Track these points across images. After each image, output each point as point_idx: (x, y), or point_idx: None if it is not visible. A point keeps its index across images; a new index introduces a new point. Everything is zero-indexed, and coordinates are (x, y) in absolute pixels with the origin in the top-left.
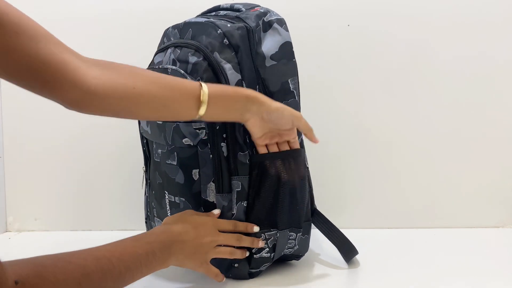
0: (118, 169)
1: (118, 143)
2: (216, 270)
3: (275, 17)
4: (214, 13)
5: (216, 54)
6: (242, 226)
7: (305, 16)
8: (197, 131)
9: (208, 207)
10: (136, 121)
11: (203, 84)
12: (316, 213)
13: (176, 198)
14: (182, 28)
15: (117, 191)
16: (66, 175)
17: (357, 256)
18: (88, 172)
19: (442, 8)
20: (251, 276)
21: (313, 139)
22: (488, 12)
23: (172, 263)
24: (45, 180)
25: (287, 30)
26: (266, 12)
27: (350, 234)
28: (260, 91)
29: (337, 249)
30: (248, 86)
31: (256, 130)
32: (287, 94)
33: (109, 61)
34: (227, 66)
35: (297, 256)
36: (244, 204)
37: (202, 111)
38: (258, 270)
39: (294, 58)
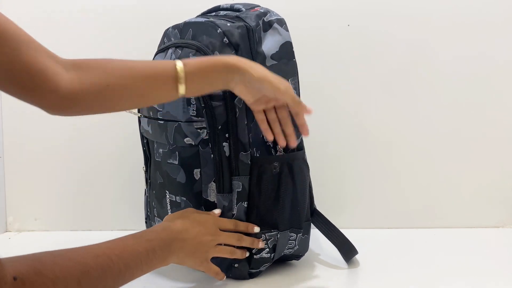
0: (118, 169)
1: (118, 143)
2: (217, 269)
3: (275, 17)
4: (214, 13)
5: (217, 54)
6: (243, 226)
7: (305, 16)
8: (199, 130)
9: (209, 207)
10: (136, 121)
11: (178, 62)
12: (316, 213)
13: (177, 197)
14: (183, 28)
15: (117, 191)
16: (66, 175)
17: (357, 256)
18: (88, 172)
19: (442, 8)
20: (251, 276)
21: (301, 112)
22: (488, 12)
23: (173, 261)
24: (45, 180)
25: (287, 30)
26: (266, 12)
27: (350, 234)
28: None
29: (337, 249)
30: None
31: (246, 96)
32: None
33: (85, 59)
34: None
35: (297, 256)
36: (245, 204)
37: (182, 90)
38: (258, 270)
39: (294, 58)
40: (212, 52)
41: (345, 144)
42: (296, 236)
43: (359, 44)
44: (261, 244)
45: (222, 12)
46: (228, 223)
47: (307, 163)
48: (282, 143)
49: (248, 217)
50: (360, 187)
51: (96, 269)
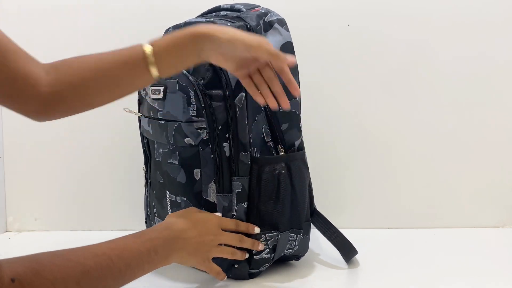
0: (118, 169)
1: (118, 143)
2: (218, 268)
3: (275, 17)
4: (214, 13)
5: None
6: (244, 226)
7: (305, 16)
8: (199, 130)
9: (209, 207)
10: (137, 122)
11: (146, 45)
12: (316, 214)
13: (178, 197)
14: (183, 28)
15: (117, 191)
16: (66, 175)
17: (356, 256)
18: (88, 172)
19: (442, 8)
20: (251, 276)
21: (283, 65)
22: (488, 12)
23: (174, 260)
24: (45, 180)
25: (288, 30)
26: (267, 12)
27: (349, 234)
28: None
29: (337, 249)
30: None
31: (225, 64)
32: (288, 94)
33: (61, 60)
34: None
35: (297, 256)
36: (245, 205)
37: (155, 72)
38: (258, 270)
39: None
40: None
41: (345, 144)
42: (296, 237)
43: (359, 44)
44: (261, 246)
45: (222, 13)
46: (229, 223)
47: (307, 164)
48: (273, 104)
49: (248, 218)
50: (360, 187)
51: (96, 269)
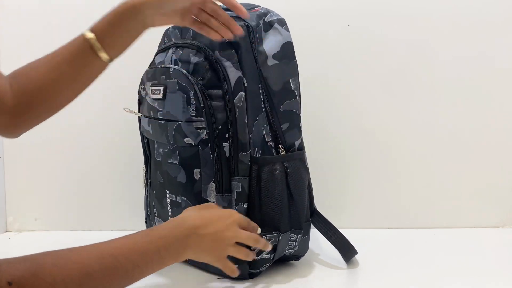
0: (118, 169)
1: (118, 143)
2: (233, 266)
3: (275, 18)
4: None
5: (217, 53)
6: (254, 225)
7: (305, 16)
8: (198, 130)
9: None
10: (137, 121)
11: (88, 34)
12: (316, 214)
13: (178, 197)
14: (183, 28)
15: (117, 191)
16: (66, 175)
17: (356, 256)
18: (88, 172)
19: (442, 8)
20: (251, 276)
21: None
22: (488, 13)
23: (188, 256)
24: (45, 180)
25: (288, 30)
26: (267, 12)
27: (349, 234)
28: (262, 90)
29: (337, 250)
30: (249, 84)
31: (170, 21)
32: (289, 94)
33: (18, 69)
34: (228, 64)
35: (297, 256)
36: (245, 205)
37: (105, 56)
38: (258, 270)
39: (295, 58)
40: (212, 52)
41: (345, 144)
42: (297, 237)
43: (359, 44)
44: (270, 247)
45: None
46: (244, 221)
47: (306, 164)
48: (226, 34)
49: (249, 219)
50: (360, 187)
51: (100, 271)
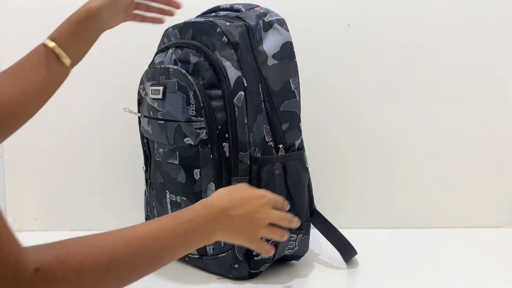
0: (118, 169)
1: (118, 143)
2: (268, 247)
3: (275, 18)
4: (214, 13)
5: (217, 53)
6: (286, 203)
7: (305, 16)
8: (198, 130)
9: None
10: (136, 121)
11: (49, 43)
12: (316, 214)
13: (178, 197)
14: (182, 28)
15: (117, 191)
16: (66, 175)
17: (356, 256)
18: (88, 172)
19: (442, 8)
20: (251, 276)
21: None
22: (488, 13)
23: (217, 238)
24: (45, 180)
25: (288, 30)
26: (266, 12)
27: (349, 234)
28: (262, 90)
29: (336, 250)
30: (249, 84)
31: (120, 19)
32: (289, 94)
33: None
34: (227, 64)
35: (297, 256)
36: None
37: (68, 62)
38: (258, 270)
39: (295, 58)
40: (212, 52)
41: (345, 144)
42: (297, 237)
43: (359, 44)
44: (298, 223)
45: (222, 13)
46: (277, 202)
47: (305, 164)
48: (168, 13)
49: None
50: (360, 187)
51: (127, 255)
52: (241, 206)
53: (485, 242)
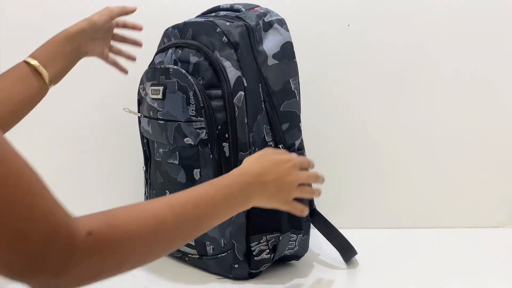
0: (118, 169)
1: (118, 143)
2: (301, 206)
3: (275, 18)
4: (214, 13)
5: (217, 53)
6: (311, 162)
7: (305, 16)
8: (198, 130)
9: None
10: (136, 121)
11: (32, 61)
12: (316, 214)
13: None
14: (182, 28)
15: (117, 191)
16: (66, 175)
17: (356, 256)
18: (88, 172)
19: (442, 8)
20: (251, 276)
21: (123, 12)
22: (487, 14)
23: (254, 203)
24: (45, 180)
25: (288, 30)
26: (266, 12)
27: (349, 234)
28: (262, 90)
29: (336, 250)
30: (249, 84)
31: (98, 51)
32: (289, 94)
33: None
34: (227, 64)
35: (297, 256)
36: None
37: (47, 79)
38: (258, 270)
39: (295, 58)
40: (212, 52)
41: (345, 144)
42: (297, 237)
43: (359, 44)
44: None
45: (222, 13)
46: (303, 162)
47: None
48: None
49: (249, 219)
50: (360, 187)
51: (173, 218)
52: (272, 171)
53: (485, 242)
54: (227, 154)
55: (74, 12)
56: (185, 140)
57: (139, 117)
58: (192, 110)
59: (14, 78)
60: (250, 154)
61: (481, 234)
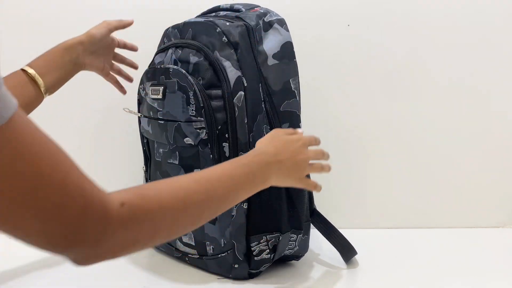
0: (118, 169)
1: (118, 143)
2: (314, 182)
3: (275, 18)
4: (214, 13)
5: (217, 53)
6: (318, 139)
7: (305, 17)
8: (198, 130)
9: None
10: (136, 121)
11: (29, 69)
12: (316, 214)
13: None
14: (182, 28)
15: None
16: None
17: (356, 256)
18: (88, 172)
19: (442, 8)
20: (251, 276)
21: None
22: (487, 14)
23: (272, 182)
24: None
25: (288, 30)
26: (266, 12)
27: (349, 234)
28: (262, 90)
29: (336, 250)
30: (249, 83)
31: (97, 65)
32: (289, 94)
33: None
34: (227, 64)
35: (297, 256)
36: (245, 206)
37: (43, 88)
38: (258, 270)
39: (295, 58)
40: (212, 52)
41: (345, 144)
42: (297, 237)
43: (359, 44)
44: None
45: (222, 13)
46: (312, 141)
47: None
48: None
49: (249, 219)
50: (360, 187)
51: (199, 192)
52: (286, 151)
53: (485, 242)
54: (227, 154)
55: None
56: (185, 140)
57: (139, 117)
58: (192, 110)
59: (11, 85)
60: None
61: (481, 234)
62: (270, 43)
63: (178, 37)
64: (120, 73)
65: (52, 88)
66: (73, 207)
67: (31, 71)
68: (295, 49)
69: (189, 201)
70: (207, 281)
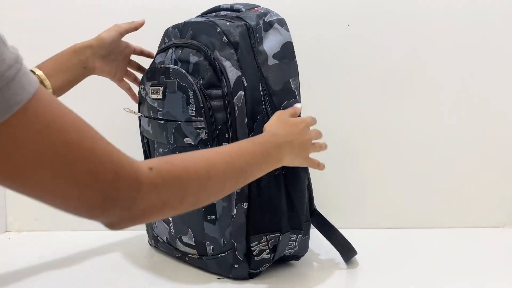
0: None
1: (118, 143)
2: (317, 161)
3: (275, 17)
4: (214, 13)
5: (217, 53)
6: (314, 118)
7: (305, 17)
8: (198, 130)
9: (208, 206)
10: (137, 121)
11: (37, 71)
12: (316, 214)
13: None
14: (182, 28)
15: None
16: None
17: (356, 256)
18: None
19: (442, 8)
20: (251, 276)
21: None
22: (487, 14)
23: (285, 162)
24: None
25: (288, 30)
26: (267, 12)
27: (349, 234)
28: (262, 90)
29: (336, 250)
30: (249, 83)
31: (108, 70)
32: (289, 94)
33: None
34: (227, 64)
35: (297, 256)
36: (244, 206)
37: (50, 90)
38: (258, 270)
39: (295, 58)
40: (212, 52)
41: (345, 144)
42: (297, 237)
43: (360, 44)
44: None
45: (222, 13)
46: (313, 121)
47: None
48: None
49: (249, 219)
50: (360, 187)
51: (221, 163)
52: (293, 132)
53: (485, 242)
54: None
55: (75, 19)
56: (185, 140)
57: (139, 117)
58: (192, 110)
59: None
60: None
61: (481, 234)
62: (271, 43)
63: (178, 37)
64: (136, 80)
65: (59, 90)
66: (105, 172)
67: (39, 72)
68: (295, 49)
69: (212, 170)
70: (207, 281)
